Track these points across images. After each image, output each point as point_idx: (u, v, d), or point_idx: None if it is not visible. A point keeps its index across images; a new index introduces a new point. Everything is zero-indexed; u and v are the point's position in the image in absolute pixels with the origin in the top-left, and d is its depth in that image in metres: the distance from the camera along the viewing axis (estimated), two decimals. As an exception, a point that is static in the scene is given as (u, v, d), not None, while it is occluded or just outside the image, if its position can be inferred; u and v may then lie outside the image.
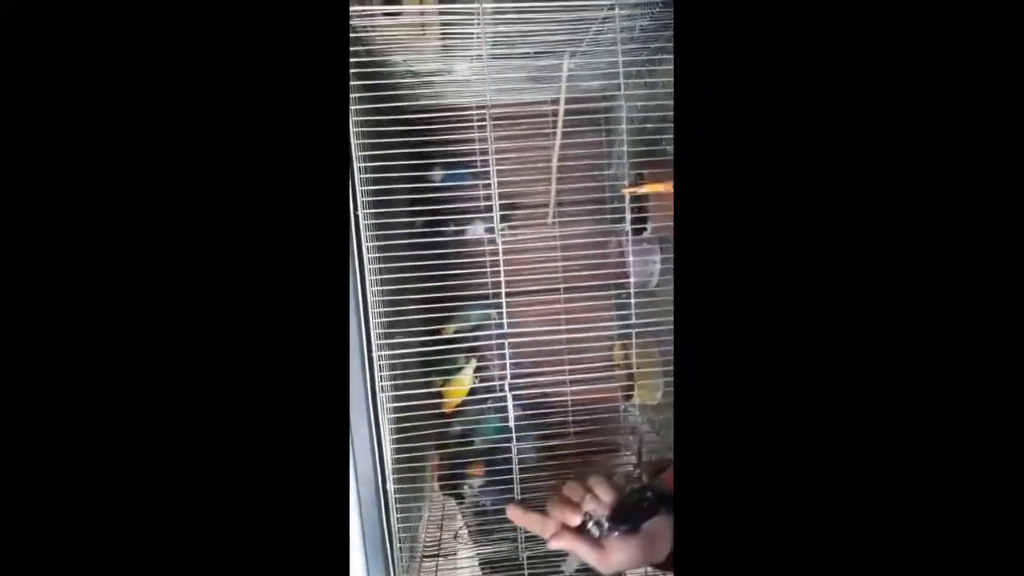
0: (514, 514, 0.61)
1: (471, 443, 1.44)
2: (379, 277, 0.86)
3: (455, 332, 1.49)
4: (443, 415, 1.41)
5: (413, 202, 1.36)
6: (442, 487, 1.42)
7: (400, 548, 0.87)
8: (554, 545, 0.58)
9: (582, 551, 0.57)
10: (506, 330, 0.93)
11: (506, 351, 0.93)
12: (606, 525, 0.57)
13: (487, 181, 0.97)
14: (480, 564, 1.12)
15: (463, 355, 1.45)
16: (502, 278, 0.91)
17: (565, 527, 0.58)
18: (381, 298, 0.87)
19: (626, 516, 0.58)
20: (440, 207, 1.32)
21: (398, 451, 0.89)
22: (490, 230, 1.14)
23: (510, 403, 0.94)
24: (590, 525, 0.57)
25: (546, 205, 1.22)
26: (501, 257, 0.91)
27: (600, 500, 0.58)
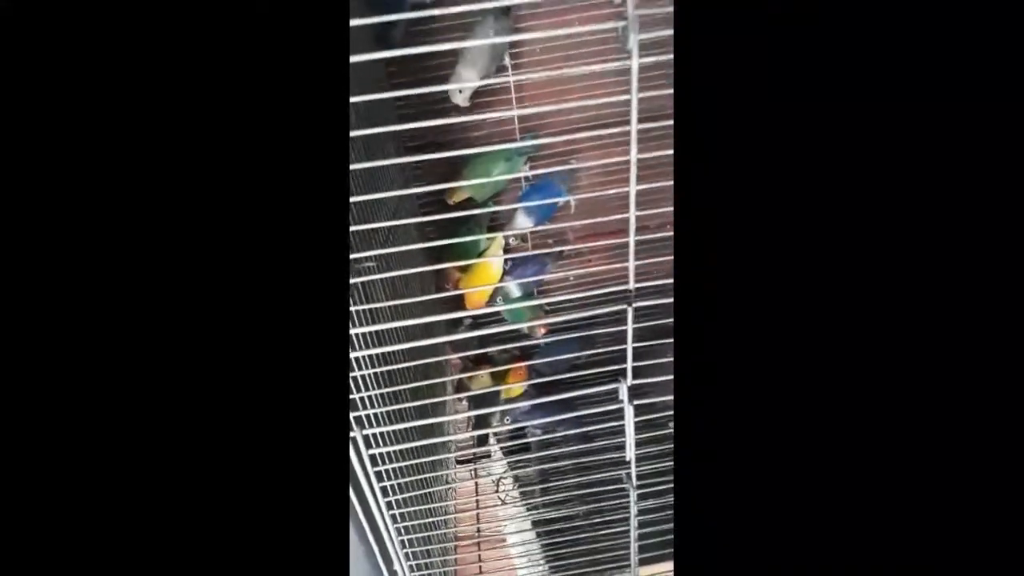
0: None
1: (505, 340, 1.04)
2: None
3: (472, 196, 1.06)
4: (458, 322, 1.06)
5: None
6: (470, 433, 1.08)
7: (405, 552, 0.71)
8: None
9: None
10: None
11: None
12: None
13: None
14: (534, 525, 0.87)
15: (484, 230, 1.08)
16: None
17: None
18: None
19: None
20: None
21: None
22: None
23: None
24: None
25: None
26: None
27: None
